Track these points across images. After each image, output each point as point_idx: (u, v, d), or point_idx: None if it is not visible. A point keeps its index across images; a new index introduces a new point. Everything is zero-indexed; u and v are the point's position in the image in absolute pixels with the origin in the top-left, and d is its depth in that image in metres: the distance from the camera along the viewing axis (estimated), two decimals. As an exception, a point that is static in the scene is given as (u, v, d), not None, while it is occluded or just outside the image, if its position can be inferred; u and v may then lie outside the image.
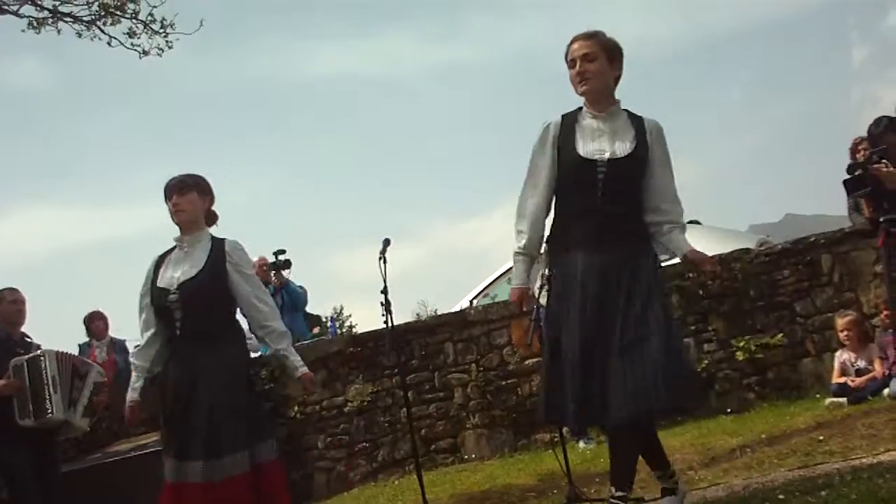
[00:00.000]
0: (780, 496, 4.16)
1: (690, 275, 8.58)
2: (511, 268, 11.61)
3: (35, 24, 11.78)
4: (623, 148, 4.31)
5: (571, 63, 4.40)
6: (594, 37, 4.41)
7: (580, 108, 4.47)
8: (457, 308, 10.38)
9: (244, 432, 4.63)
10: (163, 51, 12.18)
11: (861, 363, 7.46)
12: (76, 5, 11.76)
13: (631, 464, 4.36)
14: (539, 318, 6.63)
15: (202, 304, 4.77)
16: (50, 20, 11.79)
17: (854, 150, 7.54)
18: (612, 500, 4.19)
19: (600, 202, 4.27)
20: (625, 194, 4.31)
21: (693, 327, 8.57)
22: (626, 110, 4.45)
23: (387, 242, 6.43)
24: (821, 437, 5.88)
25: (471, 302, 10.83)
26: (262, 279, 10.93)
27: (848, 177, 6.04)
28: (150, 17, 12.01)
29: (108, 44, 12.00)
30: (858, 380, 7.35)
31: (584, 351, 4.16)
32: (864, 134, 6.91)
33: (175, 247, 4.96)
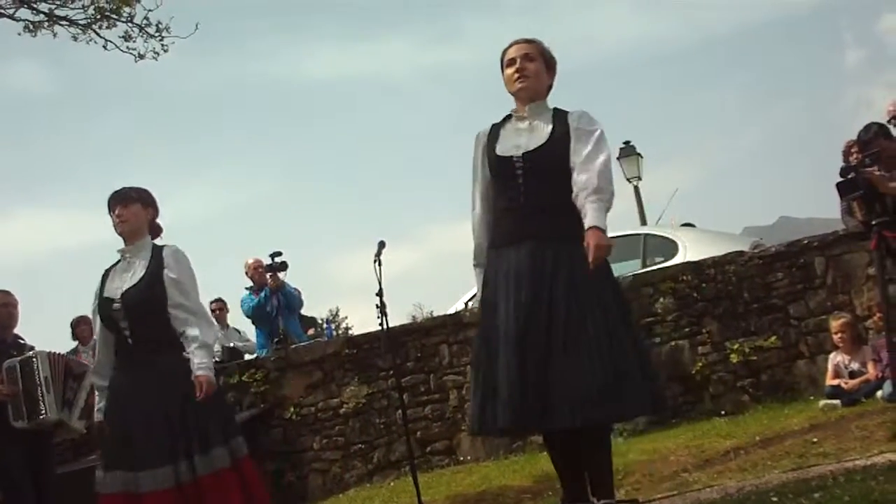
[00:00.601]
0: (774, 498, 4.17)
1: (685, 277, 8.60)
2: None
3: (31, 27, 11.77)
4: (538, 139, 4.29)
5: (510, 62, 4.42)
6: (533, 41, 4.46)
7: (508, 115, 4.50)
8: (452, 310, 10.39)
9: (216, 430, 4.70)
10: (158, 54, 12.18)
11: (855, 365, 7.48)
12: (72, 9, 11.77)
13: (606, 469, 4.35)
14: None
15: (146, 312, 4.81)
16: (46, 24, 11.79)
17: (846, 154, 7.57)
18: None
19: (523, 198, 4.25)
20: (549, 187, 4.24)
21: (687, 329, 8.58)
22: (554, 108, 4.44)
23: (382, 245, 6.44)
24: (815, 439, 5.89)
25: (466, 304, 10.83)
26: (259, 281, 10.98)
27: (841, 180, 6.06)
28: (145, 21, 12.01)
29: (104, 47, 12.00)
30: (852, 382, 7.38)
31: (517, 353, 4.07)
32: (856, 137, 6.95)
33: (120, 259, 5.03)
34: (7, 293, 6.93)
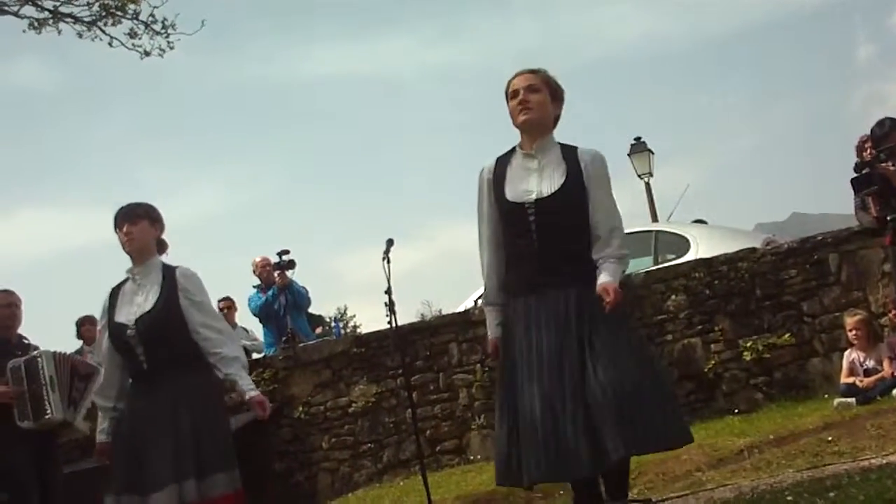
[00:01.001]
0: (789, 497, 4.12)
1: (697, 274, 8.53)
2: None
3: (36, 24, 11.77)
4: (550, 185, 4.20)
5: (513, 94, 4.34)
6: (538, 72, 4.37)
7: (513, 149, 4.40)
8: (461, 308, 10.34)
9: (209, 460, 4.60)
10: (164, 51, 12.16)
11: (870, 363, 7.40)
12: (77, 6, 11.77)
13: (625, 474, 4.33)
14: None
15: (161, 336, 4.74)
16: (51, 21, 11.78)
17: (860, 149, 7.50)
18: None
19: (537, 245, 4.18)
20: (563, 234, 4.19)
21: (700, 327, 8.52)
22: (560, 144, 4.35)
23: (390, 243, 6.40)
24: (829, 438, 5.83)
25: (475, 302, 10.77)
26: (266, 279, 10.95)
27: (855, 175, 6.00)
28: (151, 18, 12.00)
29: (109, 44, 12.01)
30: (867, 380, 7.30)
31: (545, 400, 3.99)
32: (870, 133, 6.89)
33: (128, 278, 4.94)
34: (10, 293, 6.89)
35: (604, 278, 4.08)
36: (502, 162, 4.37)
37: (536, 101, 4.28)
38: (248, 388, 4.78)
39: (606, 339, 4.01)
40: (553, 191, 4.18)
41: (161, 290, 4.80)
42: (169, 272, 4.88)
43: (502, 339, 4.33)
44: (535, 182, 4.23)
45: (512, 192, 4.25)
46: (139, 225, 4.88)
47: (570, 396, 3.95)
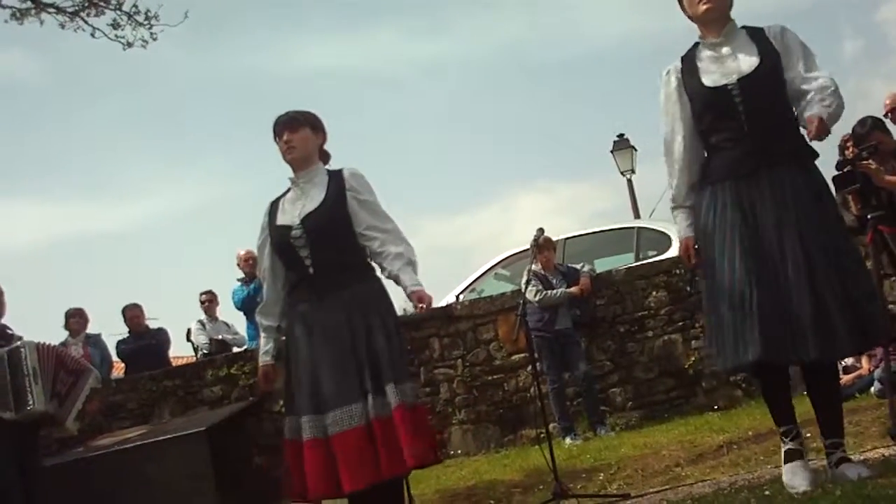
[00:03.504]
0: (767, 492, 4.13)
1: (678, 271, 8.56)
2: (497, 263, 11.57)
3: (18, 14, 11.68)
4: (749, 63, 4.07)
5: None
6: None
7: (695, 45, 4.27)
8: (443, 303, 10.35)
9: (396, 368, 4.34)
10: (147, 43, 12.09)
11: (849, 360, 7.44)
12: (60, -5, 11.68)
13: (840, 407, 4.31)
14: (525, 313, 6.61)
15: (330, 236, 4.45)
16: (33, 11, 11.70)
17: (843, 147, 7.53)
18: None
19: (747, 127, 4.04)
20: (769, 111, 4.06)
21: (680, 324, 8.56)
22: (744, 26, 4.22)
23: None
24: (808, 434, 5.83)
25: (457, 297, 10.79)
26: (250, 272, 10.91)
27: (837, 173, 6.01)
28: (133, 9, 11.93)
29: (92, 35, 11.91)
30: (846, 377, 7.34)
31: (757, 283, 3.89)
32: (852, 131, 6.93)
33: (288, 189, 4.67)
34: (-8, 283, 6.84)
35: (817, 112, 3.93)
36: (689, 58, 4.25)
37: None
38: (411, 283, 4.48)
39: (824, 230, 3.95)
40: (753, 68, 4.06)
41: (328, 188, 4.52)
42: (335, 173, 4.60)
43: (704, 227, 4.16)
44: (733, 64, 4.11)
45: (709, 79, 4.12)
46: (300, 132, 4.58)
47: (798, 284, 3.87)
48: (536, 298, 8.38)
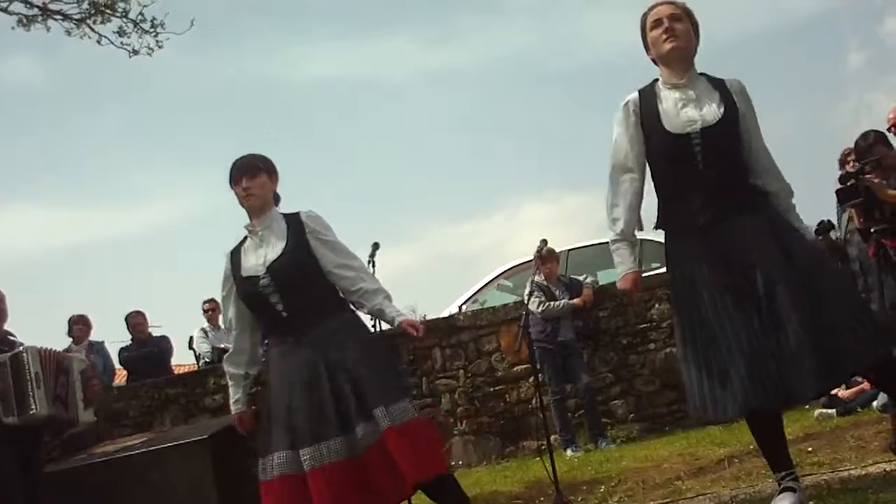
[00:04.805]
0: (768, 507, 4.13)
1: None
2: (500, 274, 11.56)
3: (25, 21, 11.74)
4: (712, 113, 4.06)
5: (655, 24, 4.17)
6: (676, 2, 4.23)
7: (655, 81, 4.24)
8: (446, 313, 10.35)
9: (375, 394, 4.31)
10: (153, 50, 12.15)
11: (850, 374, 7.43)
12: (66, 3, 11.75)
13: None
14: (528, 324, 6.62)
15: (298, 280, 4.50)
16: (40, 18, 11.76)
17: (843, 162, 7.55)
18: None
19: (704, 176, 4.03)
20: (728, 163, 4.07)
21: (682, 336, 8.54)
22: (703, 74, 4.23)
23: (376, 246, 6.39)
24: (809, 448, 5.86)
25: (460, 307, 10.79)
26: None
27: (840, 187, 6.03)
28: (140, 17, 11.98)
29: (98, 42, 11.99)
30: (848, 391, 7.33)
31: (735, 330, 3.89)
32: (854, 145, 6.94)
33: (245, 237, 4.70)
34: (-7, 289, 6.86)
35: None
36: (648, 94, 4.20)
37: (681, 29, 4.14)
38: (397, 314, 4.54)
39: (796, 263, 3.94)
40: (717, 119, 4.04)
41: (288, 234, 4.56)
42: (292, 217, 4.64)
43: (676, 274, 4.20)
44: (694, 112, 4.07)
45: (671, 124, 4.08)
46: (258, 179, 4.62)
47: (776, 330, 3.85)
48: (539, 310, 8.39)
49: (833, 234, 7.72)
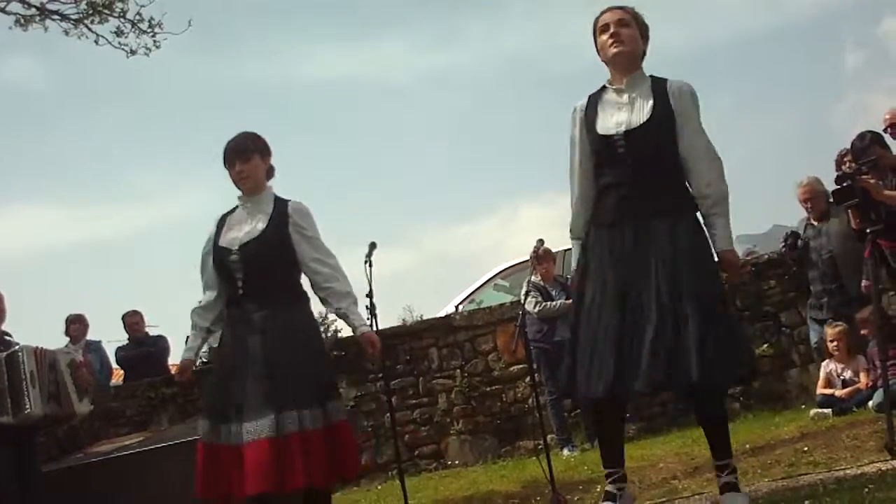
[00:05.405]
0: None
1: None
2: (496, 274, 11.62)
3: (22, 21, 11.73)
4: (640, 117, 4.18)
5: (603, 28, 4.30)
6: (626, 8, 4.34)
7: (603, 86, 4.37)
8: (442, 313, 10.36)
9: (313, 390, 4.54)
10: (150, 50, 12.14)
11: (847, 374, 7.45)
12: (64, 3, 11.73)
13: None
14: (524, 324, 6.62)
15: (263, 265, 4.66)
16: (37, 18, 11.75)
17: (839, 163, 7.56)
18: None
19: (626, 177, 4.16)
20: (653, 165, 4.16)
21: (679, 336, 8.55)
22: (651, 76, 4.32)
23: (373, 246, 6.39)
24: (805, 448, 5.87)
25: (456, 307, 10.80)
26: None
27: (836, 188, 6.03)
28: (137, 17, 11.97)
29: (96, 42, 11.96)
30: (844, 391, 7.35)
31: (615, 324, 4.03)
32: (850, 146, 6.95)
33: (237, 206, 4.88)
34: (-7, 289, 6.85)
35: (721, 244, 4.21)
36: (594, 98, 4.36)
37: (627, 34, 4.25)
38: (359, 324, 4.74)
39: (685, 277, 4.03)
40: (642, 122, 4.16)
41: (271, 219, 4.73)
42: (281, 204, 4.80)
43: (580, 266, 4.35)
44: (625, 115, 4.21)
45: (602, 126, 4.24)
46: (252, 162, 4.79)
47: (646, 327, 3.98)
48: (535, 310, 8.39)
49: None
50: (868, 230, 5.80)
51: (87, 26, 11.89)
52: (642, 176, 4.15)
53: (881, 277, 6.37)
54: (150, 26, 12.00)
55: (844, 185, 5.83)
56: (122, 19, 11.93)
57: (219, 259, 4.75)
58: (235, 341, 4.67)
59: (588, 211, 4.36)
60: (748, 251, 9.95)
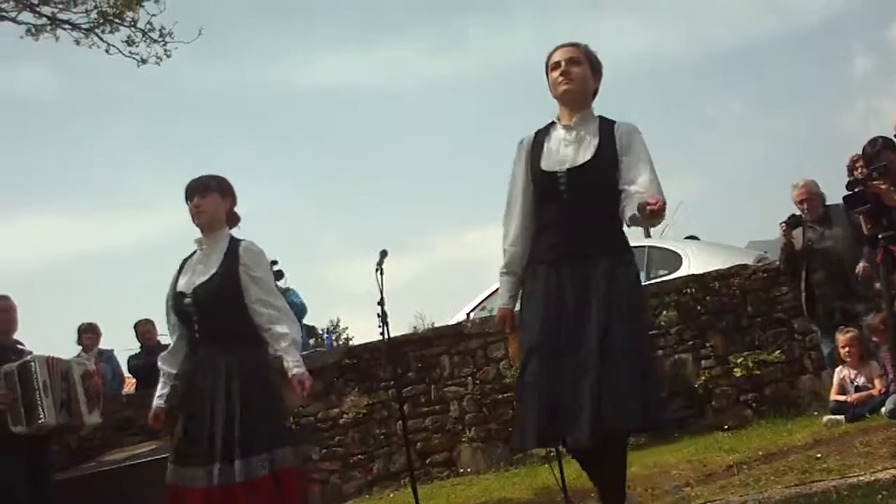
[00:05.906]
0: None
1: (689, 290, 8.56)
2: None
3: (33, 30, 11.78)
4: (584, 154, 4.19)
5: (554, 66, 4.32)
6: (579, 45, 4.36)
7: (552, 122, 4.39)
8: (454, 321, 10.35)
9: (262, 436, 4.59)
10: (161, 59, 12.18)
11: (860, 380, 7.42)
12: (75, 13, 11.78)
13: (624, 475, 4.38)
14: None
15: (214, 310, 4.73)
16: (48, 27, 11.80)
17: (851, 168, 7.54)
18: None
19: (566, 213, 4.17)
20: (593, 204, 4.16)
21: (691, 343, 8.55)
22: (600, 117, 4.33)
23: (384, 254, 6.41)
24: (818, 455, 5.85)
25: (468, 315, 10.79)
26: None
27: (848, 193, 6.02)
28: (148, 26, 12.01)
29: (107, 51, 12.02)
30: (856, 395, 7.32)
31: (547, 367, 4.04)
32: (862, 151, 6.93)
33: (196, 250, 4.93)
34: (5, 298, 6.87)
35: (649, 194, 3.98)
36: (541, 134, 4.37)
37: (577, 73, 4.27)
38: (293, 366, 4.73)
39: (616, 317, 4.02)
40: (585, 160, 4.16)
41: (222, 262, 4.78)
42: (233, 244, 4.85)
43: (524, 305, 4.33)
44: (570, 152, 4.21)
45: (546, 163, 4.24)
46: (209, 197, 4.85)
47: (574, 367, 3.98)
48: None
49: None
50: (880, 235, 5.79)
51: (98, 35, 11.94)
52: (582, 214, 4.16)
53: (893, 283, 6.35)
54: (160, 35, 12.04)
55: (856, 190, 5.82)
56: (132, 28, 11.98)
57: (176, 304, 4.82)
58: (192, 388, 4.76)
59: (528, 247, 4.35)
60: (759, 258, 9.90)
